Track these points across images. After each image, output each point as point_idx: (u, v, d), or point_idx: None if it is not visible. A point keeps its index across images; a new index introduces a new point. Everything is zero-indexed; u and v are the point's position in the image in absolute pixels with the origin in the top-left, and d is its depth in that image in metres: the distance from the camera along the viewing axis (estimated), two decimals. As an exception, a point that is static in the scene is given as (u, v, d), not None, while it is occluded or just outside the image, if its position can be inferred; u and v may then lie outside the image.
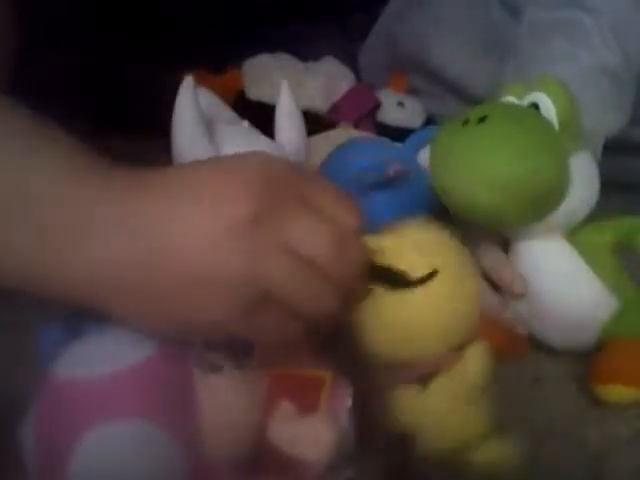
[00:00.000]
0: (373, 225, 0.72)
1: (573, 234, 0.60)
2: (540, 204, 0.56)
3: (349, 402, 0.47)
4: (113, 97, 1.00)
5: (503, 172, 0.54)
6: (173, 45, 0.97)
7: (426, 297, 0.45)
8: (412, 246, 0.45)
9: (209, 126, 0.56)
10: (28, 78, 0.83)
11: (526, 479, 0.52)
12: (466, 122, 0.57)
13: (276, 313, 0.40)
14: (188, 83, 0.55)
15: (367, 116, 0.90)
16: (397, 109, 0.94)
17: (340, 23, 1.10)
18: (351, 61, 1.02)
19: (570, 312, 0.59)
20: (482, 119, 0.56)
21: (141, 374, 0.41)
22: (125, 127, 0.94)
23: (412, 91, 0.98)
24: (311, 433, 0.44)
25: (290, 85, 0.59)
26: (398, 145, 0.78)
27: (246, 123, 0.59)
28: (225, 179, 0.40)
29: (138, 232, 0.39)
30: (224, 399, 0.44)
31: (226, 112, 0.61)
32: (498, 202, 0.55)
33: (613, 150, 0.63)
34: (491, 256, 0.63)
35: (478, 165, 0.55)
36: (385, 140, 0.81)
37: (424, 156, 0.80)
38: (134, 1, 1.00)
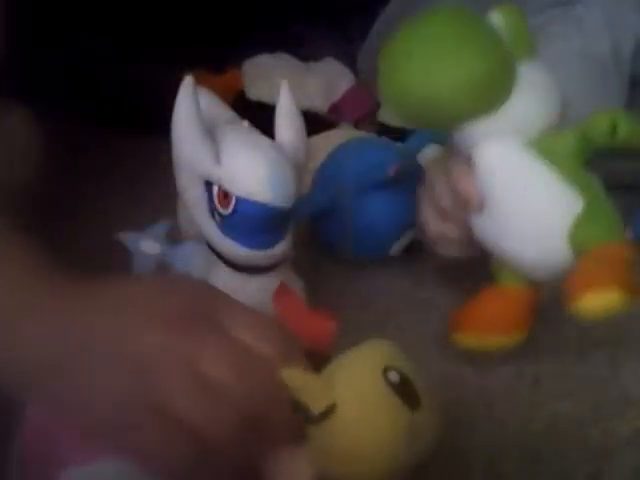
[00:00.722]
0: (373, 225, 0.73)
1: (532, 144, 0.58)
2: (485, 93, 0.57)
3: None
4: (113, 97, 1.00)
5: (470, 58, 0.56)
6: (173, 45, 0.97)
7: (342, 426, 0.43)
8: (317, 379, 0.44)
9: (209, 126, 0.56)
10: (28, 78, 0.83)
11: (526, 479, 0.52)
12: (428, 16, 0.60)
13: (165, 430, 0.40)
14: (188, 83, 0.55)
15: (367, 116, 0.90)
16: (397, 109, 0.94)
17: (340, 24, 1.10)
18: (350, 62, 1.02)
19: (536, 220, 0.57)
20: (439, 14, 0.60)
21: None
22: (125, 127, 0.94)
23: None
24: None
25: (290, 85, 0.59)
26: (398, 145, 0.78)
27: (246, 123, 0.59)
28: (148, 307, 0.42)
29: (64, 339, 0.41)
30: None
31: (226, 112, 0.61)
32: (458, 94, 0.56)
33: (613, 152, 0.63)
34: (457, 169, 0.61)
35: (448, 48, 0.57)
36: (385, 140, 0.81)
37: (424, 156, 0.81)
38: (134, 1, 1.00)
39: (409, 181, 0.72)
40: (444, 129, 0.61)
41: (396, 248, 0.74)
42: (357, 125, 0.89)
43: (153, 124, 0.87)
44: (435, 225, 0.64)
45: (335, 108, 0.90)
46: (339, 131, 0.87)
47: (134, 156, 0.91)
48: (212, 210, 0.56)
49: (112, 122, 0.97)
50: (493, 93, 0.57)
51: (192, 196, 0.57)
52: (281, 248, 0.57)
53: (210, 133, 0.55)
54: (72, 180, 0.80)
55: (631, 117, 0.57)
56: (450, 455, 0.53)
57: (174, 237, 0.59)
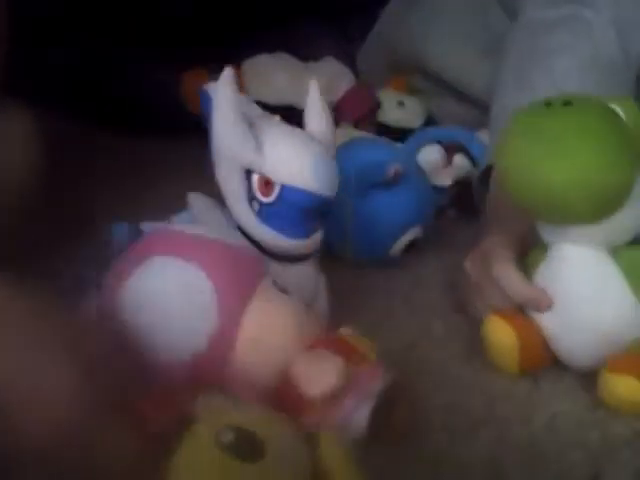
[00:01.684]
0: (373, 225, 0.73)
1: (616, 252, 0.58)
2: (606, 202, 0.54)
3: (379, 386, 0.49)
4: (113, 97, 1.00)
5: (592, 159, 0.53)
6: (173, 45, 0.97)
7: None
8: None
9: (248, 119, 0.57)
10: (28, 78, 0.83)
11: (527, 478, 0.52)
12: (548, 104, 0.55)
13: None
14: (228, 75, 0.55)
15: (367, 116, 0.90)
16: (397, 109, 0.94)
17: (340, 24, 1.10)
18: (350, 62, 1.02)
19: (601, 330, 0.57)
20: (567, 103, 0.55)
21: (225, 249, 0.51)
22: (125, 127, 0.94)
23: (412, 91, 0.98)
24: (317, 372, 0.47)
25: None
26: (398, 145, 0.78)
27: (278, 118, 0.60)
28: None
29: None
30: (274, 320, 0.49)
31: (256, 108, 0.62)
32: (573, 188, 0.53)
33: None
34: (505, 273, 0.60)
35: (567, 146, 0.53)
36: (385, 140, 0.81)
37: (424, 156, 0.81)
38: (135, 1, 1.00)
39: (409, 181, 0.72)
40: (554, 224, 0.58)
41: (396, 248, 0.74)
42: (357, 125, 0.89)
43: (153, 124, 0.88)
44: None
45: (335, 108, 0.90)
46: (339, 131, 0.87)
47: (134, 156, 0.91)
48: (250, 199, 0.57)
49: (112, 122, 0.97)
50: (615, 206, 0.55)
51: (231, 186, 0.58)
52: (315, 239, 0.59)
53: (250, 125, 0.56)
54: (72, 179, 0.80)
55: None
56: (450, 455, 0.53)
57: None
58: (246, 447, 0.41)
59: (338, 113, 0.89)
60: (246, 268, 0.51)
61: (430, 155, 0.81)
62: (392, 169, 0.71)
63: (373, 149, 0.76)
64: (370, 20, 1.07)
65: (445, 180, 0.82)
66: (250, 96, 0.93)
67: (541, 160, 0.54)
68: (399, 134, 0.87)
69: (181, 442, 0.40)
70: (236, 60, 0.96)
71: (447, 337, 0.64)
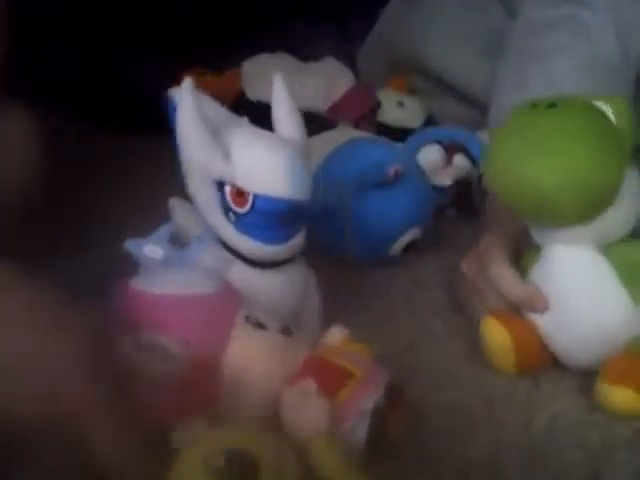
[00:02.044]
0: (373, 225, 0.73)
1: (608, 250, 0.57)
2: (594, 202, 0.55)
3: (369, 405, 0.47)
4: (113, 97, 1.00)
5: (580, 159, 0.53)
6: (173, 45, 0.97)
7: None
8: None
9: (212, 127, 0.56)
10: (28, 78, 0.83)
11: (526, 479, 0.52)
12: (534, 106, 0.56)
13: None
14: (187, 85, 0.54)
15: (367, 116, 0.90)
16: (397, 109, 0.94)
17: (340, 24, 1.10)
18: (350, 62, 1.02)
19: (597, 328, 0.57)
20: (552, 105, 0.55)
21: (194, 305, 0.49)
22: (125, 127, 0.94)
23: (412, 91, 0.98)
24: (303, 419, 0.46)
25: (289, 84, 0.59)
26: (398, 145, 0.78)
27: (246, 119, 0.59)
28: None
29: None
30: (256, 355, 0.48)
31: (223, 111, 0.61)
32: (563, 188, 0.53)
33: None
34: (501, 273, 0.60)
35: (552, 147, 0.54)
36: (385, 140, 0.81)
37: (424, 156, 0.81)
38: (135, 1, 1.00)
39: (409, 181, 0.72)
40: (543, 226, 0.58)
41: (396, 248, 0.74)
42: (357, 125, 0.89)
43: (153, 124, 0.88)
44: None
45: (335, 108, 0.90)
46: (339, 131, 0.87)
47: (134, 155, 0.91)
48: (226, 210, 0.56)
49: (112, 122, 0.97)
50: (604, 205, 0.55)
51: (204, 198, 0.56)
52: (296, 242, 0.57)
53: (215, 133, 0.55)
54: (72, 179, 0.80)
55: None
56: (450, 455, 0.53)
57: (178, 239, 0.59)
58: (238, 469, 0.40)
59: (338, 113, 0.89)
60: (219, 316, 0.50)
61: (430, 155, 0.81)
62: (392, 169, 0.71)
63: (373, 149, 0.75)
64: (370, 20, 1.07)
65: (445, 180, 0.82)
66: (250, 96, 0.93)
67: (526, 162, 0.54)
68: (399, 134, 0.87)
69: (170, 468, 0.40)
70: (236, 60, 0.96)
71: (447, 337, 0.64)
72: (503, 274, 0.60)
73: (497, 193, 0.58)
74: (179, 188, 0.61)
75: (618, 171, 0.54)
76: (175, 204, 0.60)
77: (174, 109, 0.57)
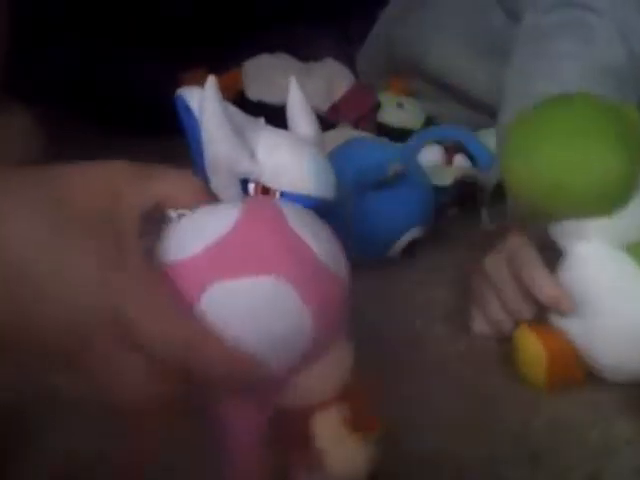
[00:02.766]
0: (373, 225, 0.73)
1: (630, 249, 0.57)
2: (614, 192, 0.55)
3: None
4: (113, 97, 1.00)
5: (598, 155, 0.54)
6: (173, 45, 0.97)
7: None
8: None
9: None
10: (28, 78, 0.83)
11: (526, 479, 0.52)
12: (552, 103, 0.57)
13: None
14: (212, 84, 0.55)
15: (367, 116, 0.90)
16: (397, 110, 0.94)
17: (340, 25, 1.10)
18: (350, 62, 1.02)
19: (628, 326, 0.56)
20: (570, 102, 0.56)
21: (230, 241, 0.43)
22: (125, 127, 0.94)
23: (411, 93, 0.98)
24: (346, 460, 0.44)
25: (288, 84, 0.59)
26: (398, 145, 0.78)
27: (262, 120, 0.59)
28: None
29: None
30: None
31: (239, 112, 0.61)
32: (581, 184, 0.54)
33: None
34: (531, 270, 0.59)
35: (575, 143, 0.54)
36: (385, 140, 0.81)
37: (424, 156, 0.81)
38: (135, 1, 1.00)
39: (409, 181, 0.72)
40: (558, 218, 0.58)
41: (396, 248, 0.74)
42: (357, 125, 0.89)
43: (153, 124, 0.88)
44: (503, 321, 0.63)
45: (335, 108, 0.90)
46: (339, 131, 0.87)
47: (134, 156, 0.90)
48: None
49: (112, 122, 0.97)
50: (622, 196, 0.56)
51: (230, 195, 0.57)
52: None
53: (239, 132, 0.56)
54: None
55: None
56: (450, 455, 0.53)
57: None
58: None
59: (338, 113, 0.89)
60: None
61: (430, 155, 0.81)
62: (392, 169, 0.71)
63: (373, 149, 0.76)
64: (370, 21, 1.07)
65: (445, 180, 0.82)
66: (251, 96, 0.93)
67: (546, 155, 0.54)
68: (399, 134, 0.87)
69: None
70: (236, 60, 0.96)
71: (447, 337, 0.64)
72: (536, 274, 0.59)
73: (515, 188, 0.57)
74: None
75: (632, 163, 0.54)
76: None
77: (186, 109, 0.57)
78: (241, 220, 0.43)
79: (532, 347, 0.58)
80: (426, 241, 0.75)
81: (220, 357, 0.39)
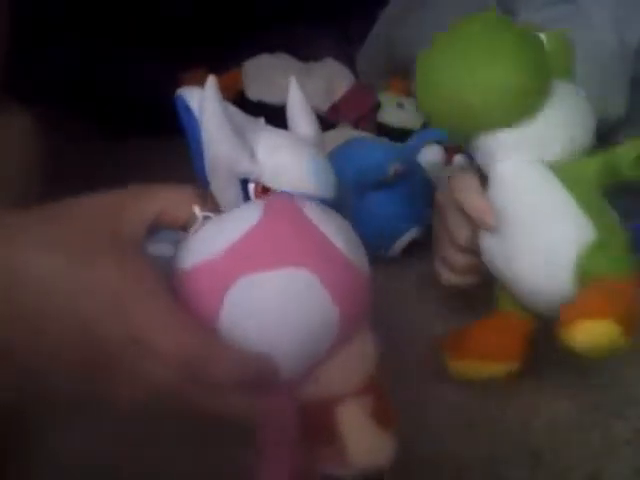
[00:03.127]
0: (373, 225, 0.73)
1: (554, 167, 0.56)
2: (515, 103, 0.55)
3: None
4: (113, 97, 1.00)
5: (496, 61, 0.55)
6: (173, 45, 0.97)
7: None
8: None
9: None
10: (28, 78, 0.83)
11: (526, 479, 0.52)
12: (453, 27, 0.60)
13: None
14: (212, 84, 0.55)
15: (367, 116, 0.90)
16: (397, 110, 0.94)
17: (340, 24, 1.10)
18: (350, 62, 1.02)
19: (547, 244, 0.55)
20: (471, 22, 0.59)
21: (255, 236, 0.43)
22: (125, 127, 0.94)
23: (411, 93, 0.98)
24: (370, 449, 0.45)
25: (288, 84, 0.59)
26: (398, 145, 0.78)
27: (262, 120, 0.59)
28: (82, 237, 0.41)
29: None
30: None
31: (238, 112, 0.61)
32: (480, 89, 0.55)
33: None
34: (464, 185, 0.60)
35: (473, 53, 0.56)
36: (385, 140, 0.81)
37: (424, 156, 0.81)
38: (135, 1, 1.00)
39: (409, 181, 0.73)
40: (470, 136, 0.59)
41: (396, 248, 0.74)
42: (357, 125, 0.89)
43: (153, 124, 0.88)
44: (453, 259, 0.63)
45: (335, 108, 0.90)
46: (339, 131, 0.87)
47: (134, 156, 0.91)
48: None
49: (112, 122, 0.97)
50: (523, 104, 0.56)
51: (230, 195, 0.57)
52: None
53: (239, 131, 0.56)
54: (71, 179, 0.80)
55: None
56: (450, 455, 0.53)
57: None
58: None
59: (338, 113, 0.89)
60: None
61: (430, 155, 0.81)
62: (392, 169, 0.71)
63: (373, 149, 0.76)
64: (370, 21, 1.07)
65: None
66: (250, 96, 0.93)
67: (445, 68, 0.57)
68: (399, 134, 0.87)
69: None
70: (236, 60, 0.96)
71: (447, 337, 0.64)
72: (465, 189, 0.59)
73: (425, 110, 0.59)
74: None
75: (530, 73, 0.55)
76: None
77: (186, 109, 0.57)
78: (264, 217, 0.44)
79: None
80: (426, 241, 0.75)
81: (232, 365, 0.40)
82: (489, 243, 0.58)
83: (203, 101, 0.54)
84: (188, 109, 0.58)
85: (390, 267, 0.74)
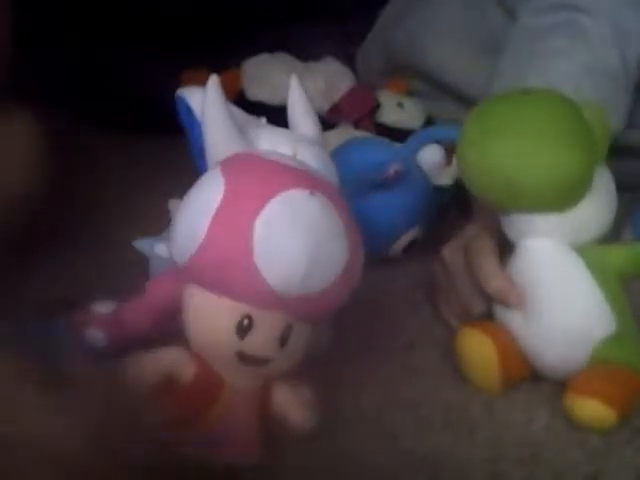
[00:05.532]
0: (373, 225, 0.73)
1: (581, 251, 0.57)
2: (560, 188, 0.55)
3: None
4: (113, 97, 1.00)
5: (544, 142, 0.54)
6: (173, 45, 0.97)
7: None
8: None
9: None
10: (28, 78, 0.83)
11: (526, 479, 0.52)
12: (507, 96, 0.57)
13: None
14: (214, 83, 0.54)
15: (367, 116, 0.90)
16: (397, 110, 0.94)
17: (340, 24, 1.10)
18: (350, 62, 1.02)
19: (569, 328, 0.56)
20: (525, 94, 0.57)
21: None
22: (125, 127, 0.94)
23: (411, 92, 0.98)
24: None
25: (289, 84, 0.59)
26: (398, 145, 0.78)
27: (264, 119, 0.59)
28: None
29: None
30: None
31: (239, 111, 0.61)
32: (525, 170, 0.54)
33: (610, 153, 0.63)
34: (481, 260, 0.60)
35: (521, 129, 0.55)
36: (385, 140, 0.81)
37: (424, 156, 0.81)
38: (135, 1, 1.00)
39: (409, 181, 0.72)
40: (508, 210, 0.58)
41: (396, 248, 0.74)
42: (357, 125, 0.89)
43: (153, 124, 0.88)
44: (466, 317, 0.63)
45: (335, 108, 0.89)
46: (339, 131, 0.87)
47: (134, 155, 0.91)
48: None
49: (112, 122, 0.97)
50: (578, 193, 0.56)
51: None
52: None
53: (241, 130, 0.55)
54: (72, 179, 0.80)
55: None
56: (450, 455, 0.53)
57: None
58: None
59: (338, 113, 0.89)
60: None
61: (430, 155, 0.81)
62: (392, 169, 0.71)
63: (373, 149, 0.76)
64: (370, 21, 1.07)
65: (445, 180, 0.82)
66: (250, 96, 0.93)
67: (490, 143, 0.55)
68: (399, 134, 0.87)
69: None
70: (236, 60, 0.96)
71: (447, 337, 0.64)
72: (485, 264, 0.59)
73: (468, 178, 0.58)
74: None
75: (586, 162, 0.55)
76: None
77: (186, 109, 0.57)
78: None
79: (482, 348, 0.58)
80: (426, 241, 0.75)
81: None
82: (506, 312, 0.59)
83: (205, 100, 0.54)
84: (188, 109, 0.58)
85: (390, 267, 0.74)
